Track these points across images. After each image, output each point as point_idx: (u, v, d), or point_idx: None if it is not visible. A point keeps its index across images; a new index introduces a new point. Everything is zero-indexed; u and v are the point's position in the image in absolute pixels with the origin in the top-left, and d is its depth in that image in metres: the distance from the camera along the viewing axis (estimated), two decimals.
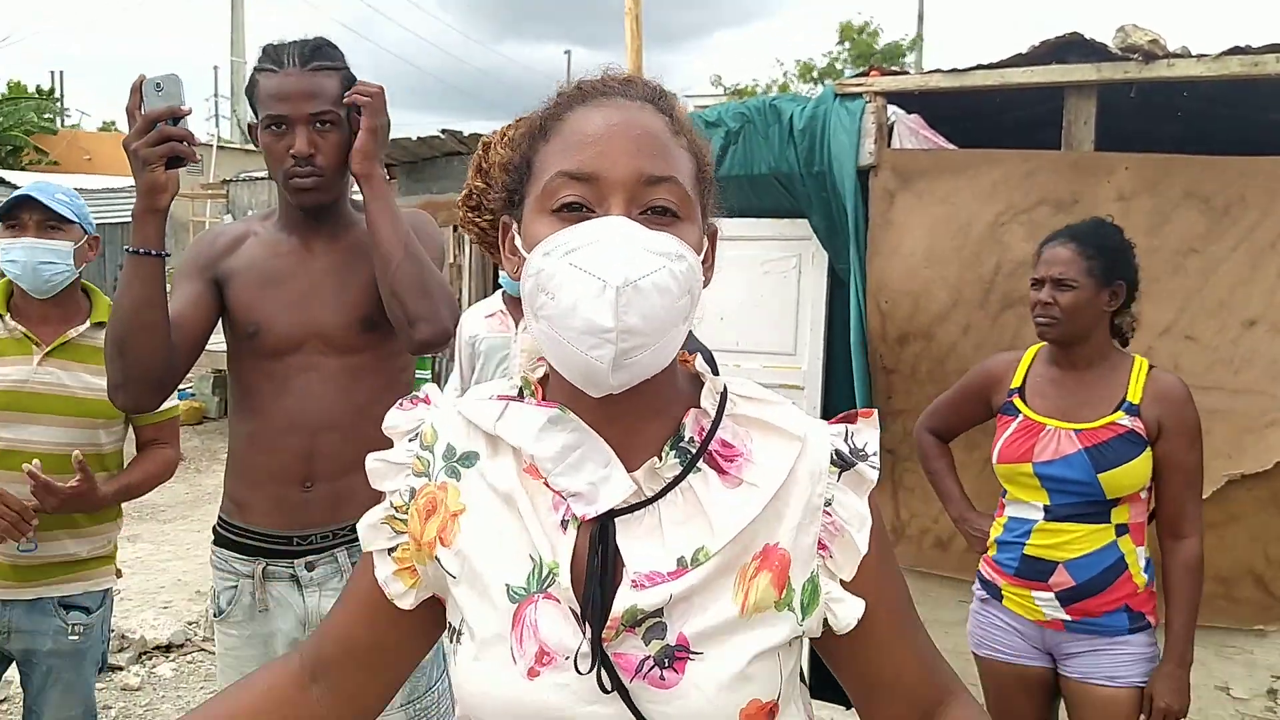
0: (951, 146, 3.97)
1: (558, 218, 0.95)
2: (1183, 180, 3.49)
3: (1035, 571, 2.44)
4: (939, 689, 1.10)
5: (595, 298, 0.89)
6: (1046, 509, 2.44)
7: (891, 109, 4.10)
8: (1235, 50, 3.48)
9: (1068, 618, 2.41)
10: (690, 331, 0.99)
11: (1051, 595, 2.42)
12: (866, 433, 1.06)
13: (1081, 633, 2.41)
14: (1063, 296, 2.44)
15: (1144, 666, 2.40)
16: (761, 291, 4.47)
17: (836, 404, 4.48)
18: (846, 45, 23.19)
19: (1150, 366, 2.47)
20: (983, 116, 4.32)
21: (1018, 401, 2.54)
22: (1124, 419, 2.39)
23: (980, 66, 3.82)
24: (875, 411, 1.08)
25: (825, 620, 1.02)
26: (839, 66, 22.33)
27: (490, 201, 0.93)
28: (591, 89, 1.02)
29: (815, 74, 22.82)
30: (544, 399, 1.05)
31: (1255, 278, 3.37)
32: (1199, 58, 3.51)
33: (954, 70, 3.87)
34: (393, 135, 2.38)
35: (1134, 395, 2.41)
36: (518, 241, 1.01)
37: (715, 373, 1.09)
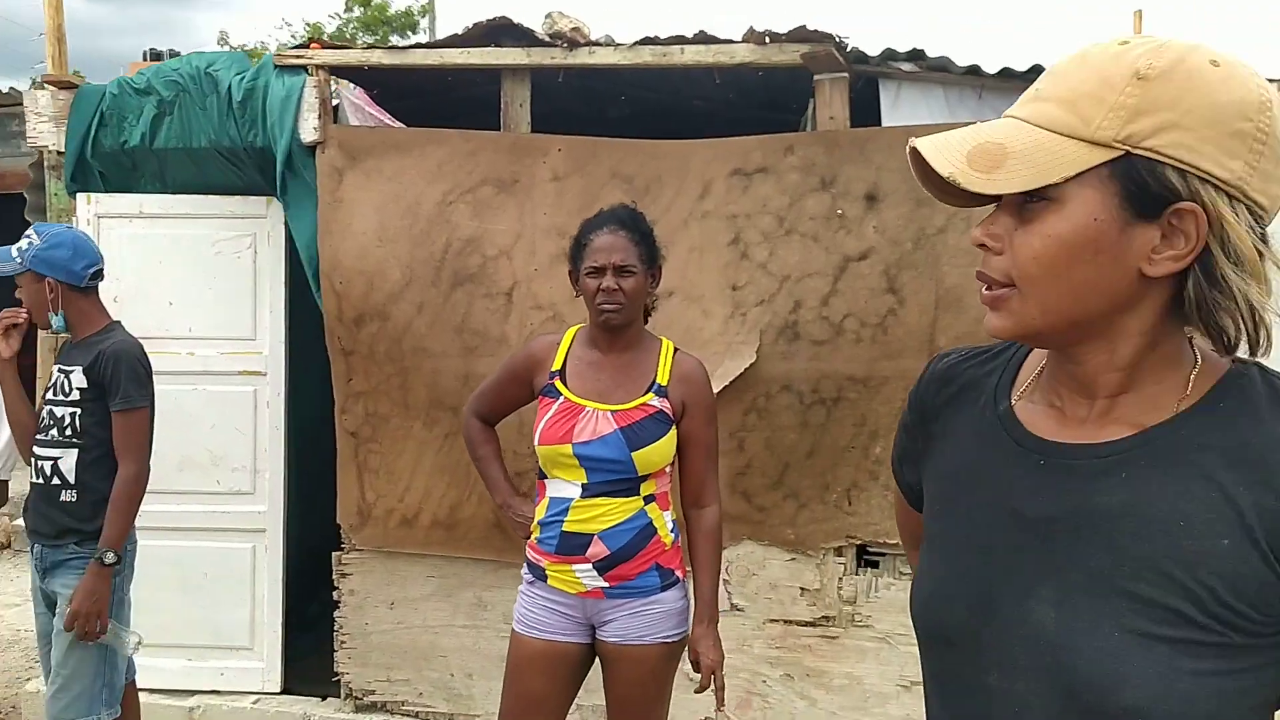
0: (399, 124, 3.93)
1: None
2: (609, 161, 3.74)
3: (573, 546, 2.52)
4: None
5: None
6: (584, 487, 2.52)
7: (342, 84, 3.96)
8: (647, 40, 3.76)
9: (606, 584, 2.52)
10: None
11: (589, 566, 2.52)
12: None
13: (619, 597, 2.53)
14: (626, 282, 2.53)
15: (674, 621, 2.57)
16: (214, 274, 4.16)
17: (302, 388, 4.31)
18: (355, 12, 22.52)
19: (675, 349, 2.64)
20: (436, 95, 4.33)
21: (559, 384, 2.60)
22: (654, 400, 2.54)
23: (419, 45, 3.80)
24: None
25: None
26: (350, 33, 21.60)
27: None
28: None
29: (326, 39, 21.83)
30: None
31: (670, 253, 3.68)
32: (615, 46, 3.76)
33: (394, 47, 3.83)
34: None
35: (662, 377, 2.57)
36: None
37: None
